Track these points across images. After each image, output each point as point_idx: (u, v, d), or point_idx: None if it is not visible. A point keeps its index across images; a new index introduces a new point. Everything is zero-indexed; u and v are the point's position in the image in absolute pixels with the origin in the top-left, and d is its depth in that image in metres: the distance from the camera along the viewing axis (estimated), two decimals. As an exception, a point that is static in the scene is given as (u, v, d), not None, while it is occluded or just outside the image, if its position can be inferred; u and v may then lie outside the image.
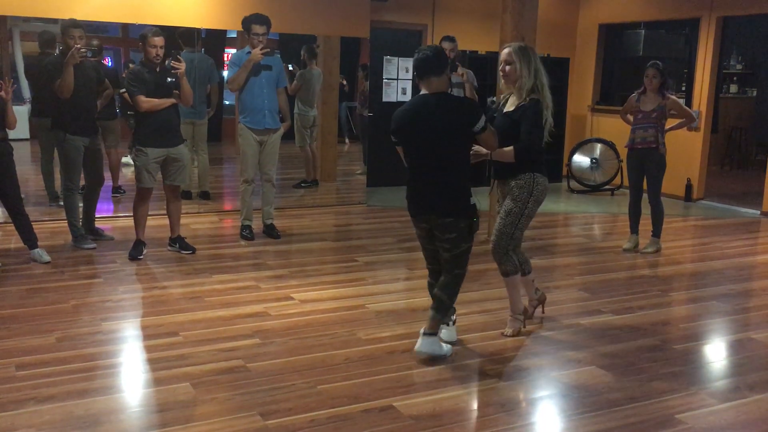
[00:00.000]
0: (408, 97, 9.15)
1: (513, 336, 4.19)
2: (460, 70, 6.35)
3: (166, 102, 5.46)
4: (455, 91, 6.41)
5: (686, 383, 3.68)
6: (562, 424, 3.28)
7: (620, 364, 3.90)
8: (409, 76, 9.11)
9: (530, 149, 3.97)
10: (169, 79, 5.46)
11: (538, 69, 4.01)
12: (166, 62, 5.43)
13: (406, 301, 4.87)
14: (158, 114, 5.45)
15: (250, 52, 5.99)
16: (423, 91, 3.75)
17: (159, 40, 5.40)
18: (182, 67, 5.42)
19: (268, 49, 5.99)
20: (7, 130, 5.26)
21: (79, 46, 5.40)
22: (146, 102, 5.39)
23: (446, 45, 6.37)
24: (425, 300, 4.89)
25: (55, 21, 6.88)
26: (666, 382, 3.69)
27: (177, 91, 5.52)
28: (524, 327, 4.28)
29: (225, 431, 3.07)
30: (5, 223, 6.19)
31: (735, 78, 12.19)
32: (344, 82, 9.99)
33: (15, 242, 5.75)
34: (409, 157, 3.79)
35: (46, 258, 5.47)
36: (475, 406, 3.43)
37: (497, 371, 3.76)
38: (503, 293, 5.07)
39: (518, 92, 4.03)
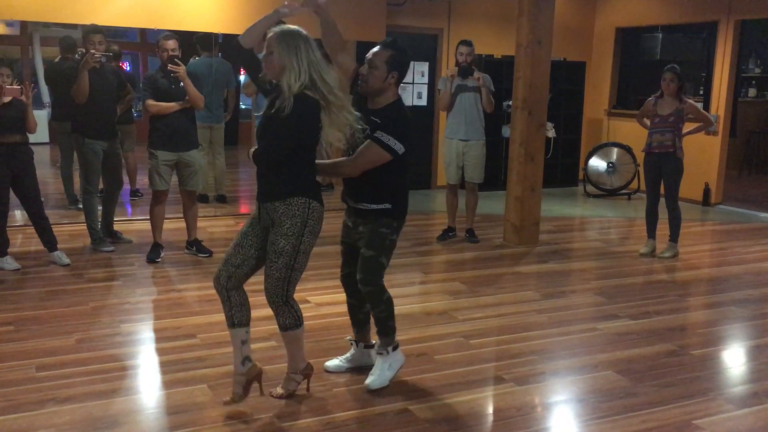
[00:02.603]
0: (423, 101, 9.18)
1: (284, 398, 3.38)
2: (476, 74, 6.34)
3: (172, 106, 5.47)
4: (472, 96, 6.41)
5: (704, 389, 3.66)
6: (577, 429, 3.28)
7: (637, 369, 3.88)
8: (425, 80, 9.13)
9: (269, 157, 3.11)
10: (181, 84, 5.49)
11: (313, 61, 3.07)
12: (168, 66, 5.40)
13: (421, 305, 4.87)
14: (169, 118, 5.48)
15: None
16: (398, 93, 3.44)
17: (171, 44, 5.44)
18: (181, 70, 5.40)
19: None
20: (27, 134, 5.32)
21: (93, 51, 5.46)
22: (153, 106, 5.45)
23: (463, 49, 6.37)
24: (440, 304, 4.91)
25: (75, 26, 6.97)
26: (683, 387, 3.66)
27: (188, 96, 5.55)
28: (306, 389, 3.47)
29: (242, 433, 3.09)
30: (25, 225, 6.26)
31: (753, 81, 12.08)
32: None
33: (35, 245, 5.81)
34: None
35: (66, 260, 5.53)
36: (490, 410, 3.42)
37: (513, 375, 3.76)
38: (518, 297, 5.09)
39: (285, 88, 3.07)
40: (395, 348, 3.61)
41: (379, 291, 3.50)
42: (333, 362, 3.77)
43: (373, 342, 3.73)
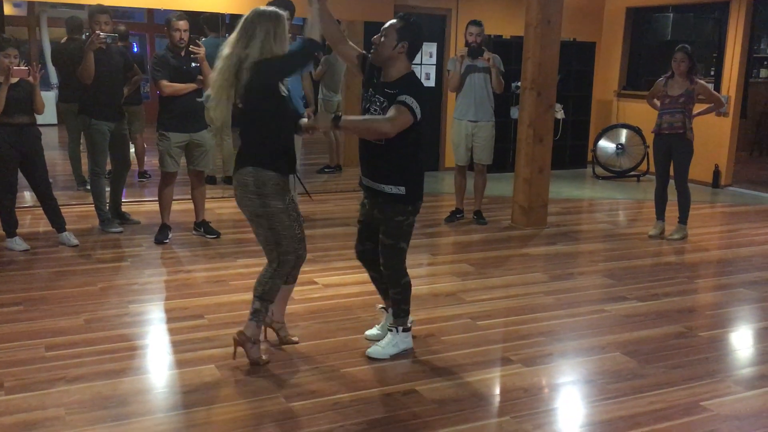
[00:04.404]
0: (432, 83, 9.13)
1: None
2: (486, 54, 6.28)
3: (189, 87, 5.48)
4: (481, 77, 6.36)
5: (712, 370, 3.65)
6: (585, 410, 3.28)
7: (645, 350, 3.87)
8: (433, 60, 9.08)
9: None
10: (193, 64, 5.48)
11: (269, 36, 3.30)
12: (189, 47, 5.45)
13: (428, 287, 4.87)
14: (181, 99, 5.48)
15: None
16: (411, 66, 3.53)
17: (182, 24, 5.42)
18: (201, 51, 5.42)
19: (290, 35, 5.97)
20: (35, 115, 5.32)
21: (98, 32, 5.44)
22: (168, 86, 5.43)
23: (473, 29, 6.31)
24: (448, 285, 4.91)
25: (81, 7, 6.94)
26: (691, 369, 3.66)
27: (201, 77, 5.54)
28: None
29: (249, 413, 3.10)
30: (34, 207, 6.28)
31: (765, 62, 11.96)
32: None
33: (44, 226, 5.83)
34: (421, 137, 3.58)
35: (74, 241, 5.55)
36: (497, 391, 3.43)
37: (520, 356, 3.76)
38: (526, 279, 5.09)
39: None
40: (406, 330, 3.73)
41: (398, 275, 3.65)
42: (371, 331, 3.91)
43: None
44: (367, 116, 3.49)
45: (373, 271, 3.82)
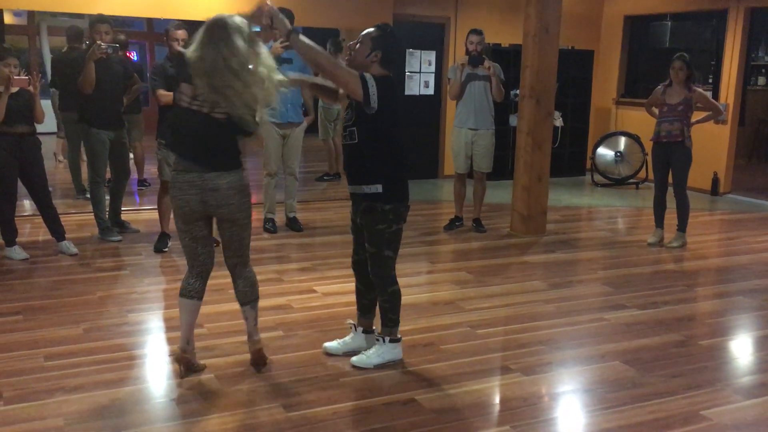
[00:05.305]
0: (431, 90, 9.14)
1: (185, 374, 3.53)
2: (486, 63, 6.30)
3: None
4: (482, 85, 6.38)
5: (711, 379, 3.65)
6: (584, 419, 3.27)
7: (644, 359, 3.87)
8: (432, 69, 9.09)
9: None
10: (192, 74, 5.49)
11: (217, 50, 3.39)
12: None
13: (428, 295, 4.87)
14: None
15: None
16: (388, 73, 3.54)
17: (181, 33, 5.43)
18: None
19: (288, 42, 5.99)
20: (35, 124, 5.33)
21: (99, 42, 5.46)
22: (165, 96, 5.43)
23: (473, 38, 6.34)
24: (447, 293, 4.91)
25: (81, 16, 6.97)
26: (691, 378, 3.66)
27: None
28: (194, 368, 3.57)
29: (248, 422, 3.10)
30: (33, 215, 6.29)
31: (763, 70, 11.97)
32: None
33: (43, 234, 5.84)
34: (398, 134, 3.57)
35: (74, 250, 5.55)
36: (497, 400, 3.42)
37: (519, 365, 3.76)
38: (525, 287, 5.10)
39: None
40: (393, 341, 3.69)
41: (385, 282, 3.62)
42: (331, 344, 3.84)
43: (374, 328, 3.83)
44: (322, 50, 3.46)
45: (361, 283, 3.78)
